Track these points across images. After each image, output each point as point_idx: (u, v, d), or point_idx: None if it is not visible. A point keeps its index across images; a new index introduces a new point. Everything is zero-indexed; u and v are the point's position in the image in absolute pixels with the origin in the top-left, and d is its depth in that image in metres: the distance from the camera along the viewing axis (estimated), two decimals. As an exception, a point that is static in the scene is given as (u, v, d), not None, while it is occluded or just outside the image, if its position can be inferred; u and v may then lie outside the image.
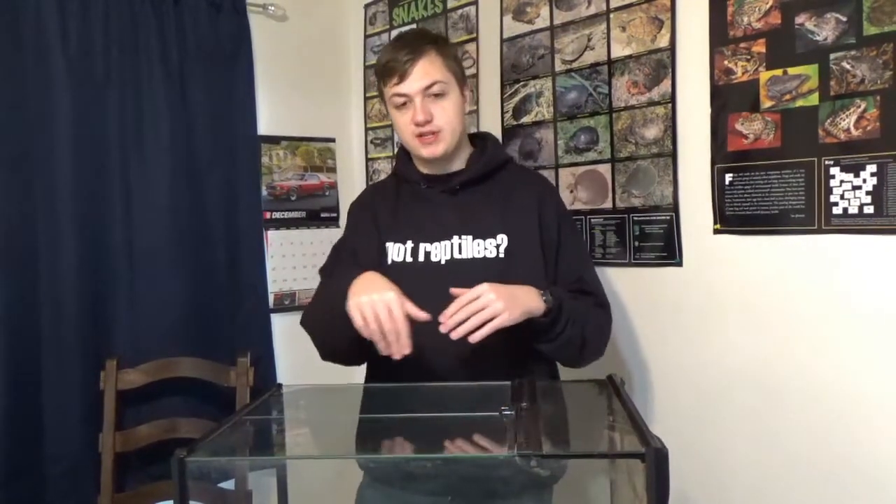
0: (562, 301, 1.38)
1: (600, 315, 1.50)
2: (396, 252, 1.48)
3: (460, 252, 1.45)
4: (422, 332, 1.43)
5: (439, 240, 1.46)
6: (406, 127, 1.47)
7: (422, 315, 1.28)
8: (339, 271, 1.49)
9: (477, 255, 1.45)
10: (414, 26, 2.44)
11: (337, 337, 1.40)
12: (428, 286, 1.41)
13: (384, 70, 1.47)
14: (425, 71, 1.44)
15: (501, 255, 1.45)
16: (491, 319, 1.28)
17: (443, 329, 1.28)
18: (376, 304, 1.28)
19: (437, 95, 1.45)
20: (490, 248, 1.45)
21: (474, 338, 1.28)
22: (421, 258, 1.46)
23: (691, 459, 1.75)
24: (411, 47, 1.45)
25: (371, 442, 1.30)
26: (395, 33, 2.52)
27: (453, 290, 1.31)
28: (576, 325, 1.40)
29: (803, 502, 1.60)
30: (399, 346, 1.28)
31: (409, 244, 1.47)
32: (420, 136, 1.45)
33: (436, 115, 1.44)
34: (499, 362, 1.40)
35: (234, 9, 2.35)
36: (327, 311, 1.41)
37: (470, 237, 1.46)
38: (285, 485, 1.45)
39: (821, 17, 1.52)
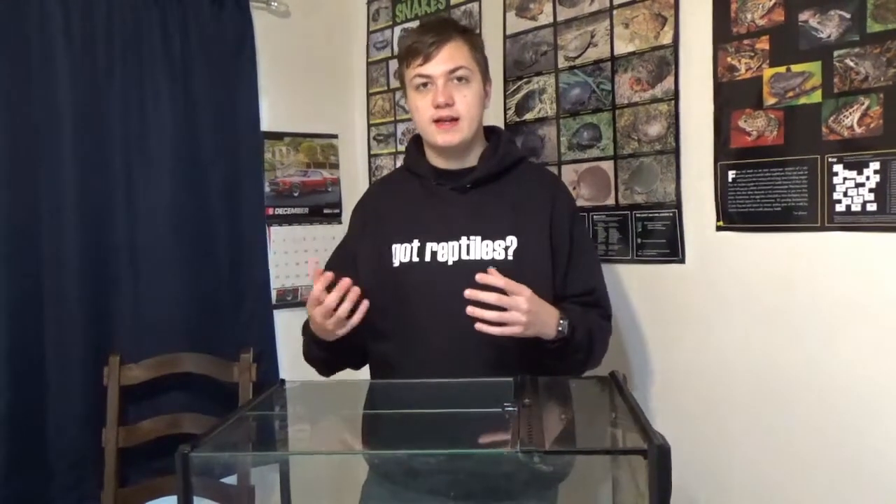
0: (574, 329, 1.38)
1: (604, 328, 1.50)
2: (403, 253, 1.46)
3: (468, 253, 1.43)
4: (426, 327, 1.43)
5: (447, 240, 1.44)
6: (424, 110, 1.44)
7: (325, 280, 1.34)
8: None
9: (485, 257, 1.43)
10: (417, 23, 2.44)
11: (340, 354, 1.48)
12: (434, 287, 1.41)
13: (408, 51, 1.45)
14: (450, 55, 1.42)
15: (510, 258, 1.43)
16: (507, 325, 1.29)
17: (467, 294, 1.27)
18: (328, 322, 1.36)
19: (461, 80, 1.43)
20: (499, 249, 1.43)
21: (480, 326, 1.29)
22: (427, 258, 1.44)
23: (693, 456, 1.75)
24: (438, 31, 1.44)
25: (374, 438, 1.30)
26: (397, 30, 2.52)
27: (506, 283, 1.29)
28: (581, 349, 1.41)
29: (805, 500, 1.61)
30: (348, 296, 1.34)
31: (416, 243, 1.46)
32: (438, 121, 1.43)
33: (457, 101, 1.42)
34: (502, 362, 1.41)
35: (237, 5, 2.35)
36: (322, 350, 1.48)
37: (479, 238, 1.44)
38: (288, 480, 1.45)
39: (824, 15, 1.51)
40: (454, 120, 1.43)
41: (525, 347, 1.42)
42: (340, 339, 1.40)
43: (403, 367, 1.46)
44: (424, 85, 1.44)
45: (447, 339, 1.42)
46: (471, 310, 1.28)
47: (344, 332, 1.37)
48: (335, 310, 1.34)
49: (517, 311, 1.28)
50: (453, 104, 1.42)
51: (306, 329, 1.50)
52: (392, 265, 1.47)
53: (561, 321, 1.36)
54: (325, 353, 1.48)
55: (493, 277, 1.28)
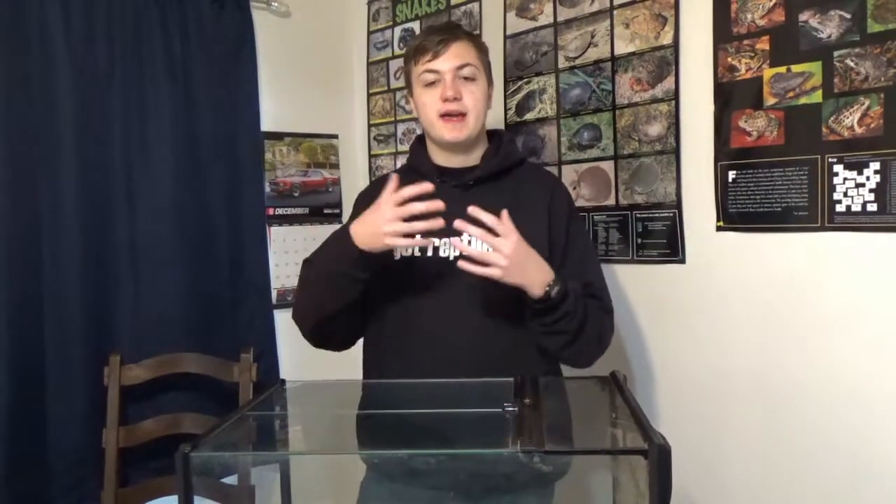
0: (565, 296, 1.36)
1: (603, 318, 1.48)
2: (405, 247, 1.47)
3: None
4: (426, 322, 1.43)
5: (449, 235, 1.45)
6: (432, 105, 1.46)
7: (419, 189, 1.32)
8: (325, 253, 1.47)
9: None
10: (417, 23, 2.44)
11: (341, 306, 1.42)
12: (436, 281, 1.42)
13: (417, 49, 1.48)
14: (458, 52, 1.46)
15: None
16: (487, 265, 1.30)
17: (456, 224, 1.28)
18: (395, 225, 1.31)
19: (468, 78, 1.46)
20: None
21: (462, 264, 1.31)
22: (429, 252, 1.45)
23: (693, 456, 1.75)
24: (445, 30, 1.48)
25: (374, 437, 1.31)
26: (398, 30, 2.52)
27: (494, 222, 1.31)
28: (570, 322, 1.38)
29: (805, 499, 1.61)
30: (436, 209, 1.30)
31: (418, 238, 1.46)
32: (446, 115, 1.45)
33: (464, 96, 1.45)
34: (502, 357, 1.41)
35: (237, 5, 2.35)
36: (331, 286, 1.42)
37: None
38: (288, 480, 1.46)
39: (825, 15, 1.52)
40: (462, 115, 1.45)
41: (524, 341, 1.42)
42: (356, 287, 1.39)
43: (403, 361, 1.46)
44: (433, 81, 1.46)
45: (447, 333, 1.42)
46: (454, 240, 1.32)
47: (397, 243, 1.33)
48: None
49: (500, 252, 1.29)
50: (461, 99, 1.45)
51: (332, 257, 1.42)
52: (393, 258, 1.47)
53: (551, 284, 1.35)
54: (342, 290, 1.41)
55: (485, 214, 1.29)
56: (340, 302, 1.43)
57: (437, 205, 1.30)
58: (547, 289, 1.35)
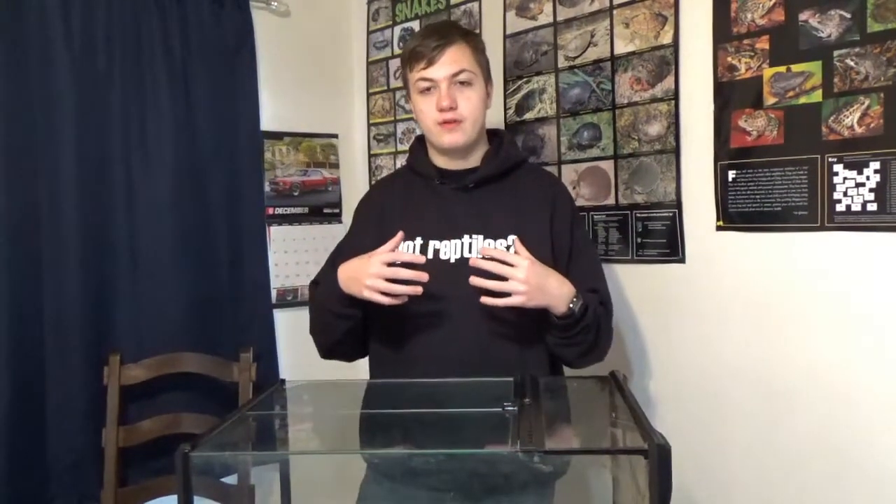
0: (586, 311, 1.39)
1: (609, 326, 1.51)
2: (406, 250, 1.47)
3: (470, 251, 1.45)
4: (427, 324, 1.43)
5: (450, 238, 1.46)
6: (429, 113, 1.47)
7: (411, 258, 1.39)
8: (321, 286, 1.54)
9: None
10: (417, 22, 2.44)
11: (342, 333, 1.48)
12: (437, 284, 1.42)
13: (412, 55, 1.47)
14: (454, 58, 1.45)
15: None
16: (508, 295, 1.33)
17: (472, 263, 1.35)
18: (376, 282, 1.35)
19: (463, 84, 1.46)
20: (500, 248, 1.44)
21: (485, 300, 1.35)
22: (430, 255, 1.45)
23: (693, 456, 1.75)
24: (441, 34, 1.46)
25: (374, 437, 1.31)
26: (398, 30, 2.52)
27: (501, 254, 1.36)
28: (588, 334, 1.42)
29: (804, 500, 1.61)
30: (419, 279, 1.35)
31: (419, 241, 1.47)
32: (442, 123, 1.45)
33: (460, 104, 1.45)
34: (501, 360, 1.41)
35: (237, 4, 2.35)
36: (328, 317, 1.48)
37: (481, 237, 1.45)
38: (288, 480, 1.46)
39: (825, 14, 1.51)
40: (458, 121, 1.45)
41: (528, 342, 1.43)
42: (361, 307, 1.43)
43: (403, 363, 1.47)
44: (428, 88, 1.46)
45: (448, 336, 1.42)
46: (473, 279, 1.34)
47: (373, 297, 1.36)
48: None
49: (515, 280, 1.32)
50: (457, 107, 1.45)
51: (324, 291, 1.49)
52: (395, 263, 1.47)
53: (574, 299, 1.38)
54: (338, 321, 1.47)
55: (493, 250, 1.36)
56: (340, 330, 1.48)
57: (422, 276, 1.34)
58: (571, 305, 1.37)
